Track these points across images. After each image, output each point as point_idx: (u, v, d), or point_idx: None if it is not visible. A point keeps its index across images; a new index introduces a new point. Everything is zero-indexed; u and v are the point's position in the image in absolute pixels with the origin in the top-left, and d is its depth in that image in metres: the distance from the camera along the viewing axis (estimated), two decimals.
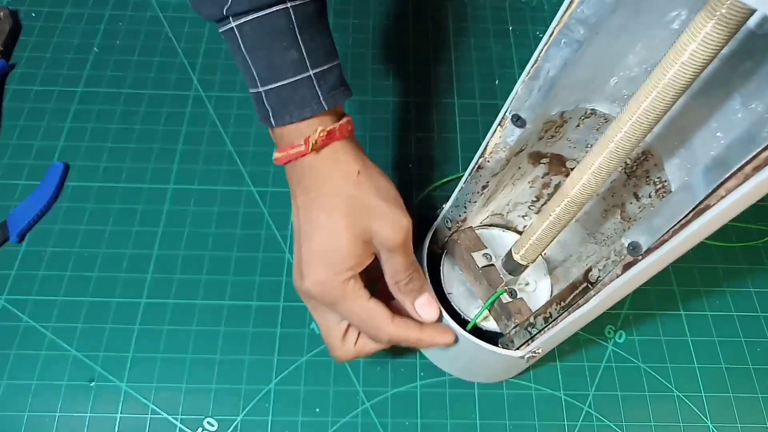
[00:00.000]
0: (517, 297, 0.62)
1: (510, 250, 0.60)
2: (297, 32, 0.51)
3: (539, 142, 0.58)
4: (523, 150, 0.57)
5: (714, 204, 0.35)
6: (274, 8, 0.50)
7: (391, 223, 0.54)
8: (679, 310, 0.76)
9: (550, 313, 0.52)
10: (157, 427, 0.67)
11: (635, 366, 0.73)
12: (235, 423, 0.68)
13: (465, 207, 0.61)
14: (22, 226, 0.75)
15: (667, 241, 0.39)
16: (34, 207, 0.77)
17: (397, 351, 0.71)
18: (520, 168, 0.62)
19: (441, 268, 0.68)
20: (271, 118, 0.54)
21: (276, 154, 0.55)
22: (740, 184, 0.33)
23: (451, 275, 0.68)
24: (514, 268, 0.60)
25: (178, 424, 0.67)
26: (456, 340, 0.61)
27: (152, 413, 0.68)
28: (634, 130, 0.41)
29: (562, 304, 0.50)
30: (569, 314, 0.50)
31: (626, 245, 0.42)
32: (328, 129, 0.52)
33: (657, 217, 0.39)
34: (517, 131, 0.50)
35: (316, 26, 0.53)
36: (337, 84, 0.54)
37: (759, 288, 0.78)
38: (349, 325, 0.59)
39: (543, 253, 0.68)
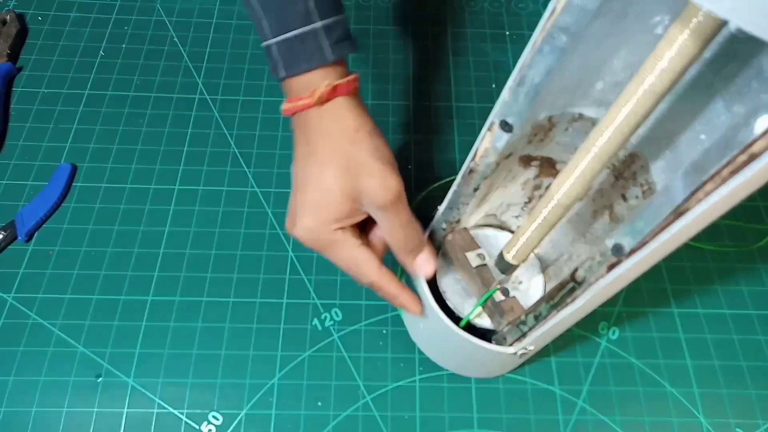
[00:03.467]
0: (510, 295, 0.62)
1: (501, 251, 0.61)
2: None
3: (529, 146, 0.58)
4: (513, 153, 0.58)
5: (693, 207, 0.36)
6: None
7: (380, 183, 0.54)
8: (671, 308, 0.77)
9: (540, 311, 0.52)
10: (163, 421, 0.68)
11: (629, 362, 0.73)
12: (240, 417, 0.69)
13: (458, 209, 0.61)
14: (30, 226, 0.76)
15: (648, 242, 0.40)
16: (42, 207, 0.78)
17: (396, 348, 0.73)
18: (511, 171, 0.63)
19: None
20: (280, 69, 0.55)
21: (284, 105, 0.56)
22: (717, 187, 0.34)
23: (447, 274, 0.68)
24: (506, 267, 0.60)
25: (183, 418, 0.68)
26: (423, 312, 0.63)
27: (158, 408, 0.69)
28: (615, 135, 0.41)
29: (551, 302, 0.50)
30: (558, 312, 0.50)
31: (610, 247, 0.42)
32: (334, 83, 0.54)
33: (639, 220, 0.40)
34: (506, 136, 0.50)
35: None
36: (342, 37, 0.55)
37: (750, 287, 0.79)
38: None
39: (535, 252, 0.69)
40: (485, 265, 0.64)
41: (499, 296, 0.62)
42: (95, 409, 0.68)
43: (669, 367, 0.73)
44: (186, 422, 0.68)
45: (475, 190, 0.58)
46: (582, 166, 0.45)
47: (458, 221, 0.65)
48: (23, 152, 0.84)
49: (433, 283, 0.66)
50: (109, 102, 0.89)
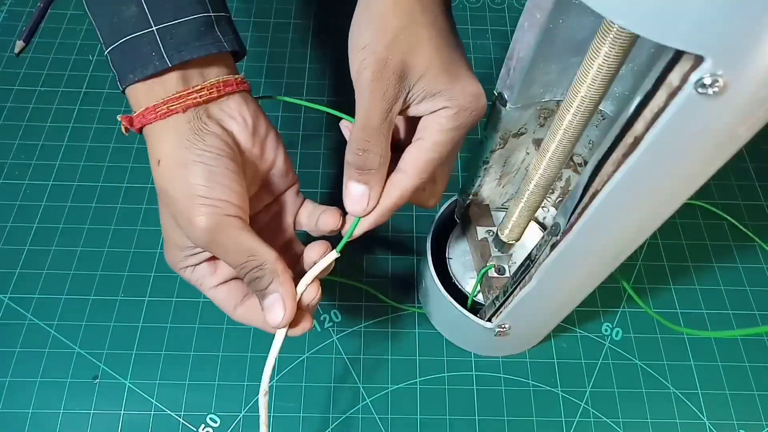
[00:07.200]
0: (505, 274, 0.72)
1: (496, 229, 0.71)
2: None
3: (541, 129, 0.67)
4: (524, 134, 0.67)
5: (601, 189, 0.43)
6: None
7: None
8: (675, 309, 0.87)
9: (507, 287, 0.62)
10: (160, 423, 0.76)
11: (632, 363, 0.82)
12: (238, 419, 0.77)
13: (473, 180, 0.72)
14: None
15: (575, 223, 0.47)
16: None
17: (397, 350, 0.82)
18: (528, 153, 0.72)
19: (451, 234, 0.80)
20: (117, 81, 0.55)
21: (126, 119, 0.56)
22: (615, 170, 0.41)
23: (458, 242, 0.79)
24: (501, 245, 0.71)
25: (181, 420, 0.77)
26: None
27: (155, 410, 0.77)
28: (575, 120, 0.51)
29: (514, 279, 0.60)
30: (520, 290, 0.59)
31: (551, 226, 0.52)
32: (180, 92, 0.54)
33: (569, 200, 0.48)
34: (503, 110, 0.59)
35: None
36: (192, 38, 0.54)
37: (755, 287, 0.89)
38: None
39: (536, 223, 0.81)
40: (487, 240, 0.74)
41: (493, 273, 0.71)
42: (92, 411, 0.77)
43: (672, 368, 0.82)
44: (183, 424, 0.76)
45: (485, 162, 0.68)
46: (552, 147, 0.55)
47: (476, 194, 0.75)
48: (18, 151, 0.96)
49: (442, 250, 0.78)
50: (106, 100, 1.02)
